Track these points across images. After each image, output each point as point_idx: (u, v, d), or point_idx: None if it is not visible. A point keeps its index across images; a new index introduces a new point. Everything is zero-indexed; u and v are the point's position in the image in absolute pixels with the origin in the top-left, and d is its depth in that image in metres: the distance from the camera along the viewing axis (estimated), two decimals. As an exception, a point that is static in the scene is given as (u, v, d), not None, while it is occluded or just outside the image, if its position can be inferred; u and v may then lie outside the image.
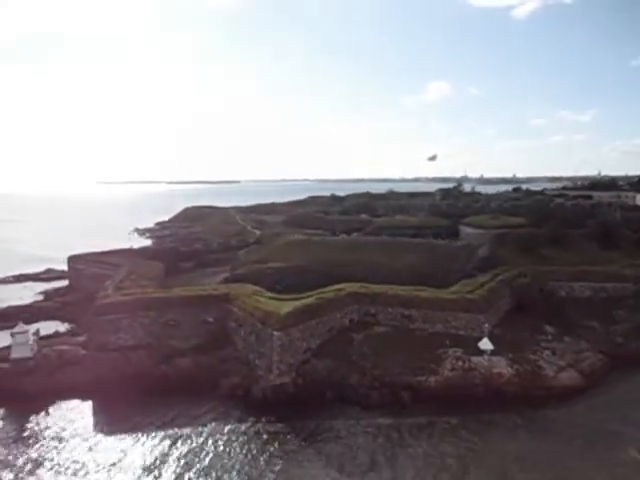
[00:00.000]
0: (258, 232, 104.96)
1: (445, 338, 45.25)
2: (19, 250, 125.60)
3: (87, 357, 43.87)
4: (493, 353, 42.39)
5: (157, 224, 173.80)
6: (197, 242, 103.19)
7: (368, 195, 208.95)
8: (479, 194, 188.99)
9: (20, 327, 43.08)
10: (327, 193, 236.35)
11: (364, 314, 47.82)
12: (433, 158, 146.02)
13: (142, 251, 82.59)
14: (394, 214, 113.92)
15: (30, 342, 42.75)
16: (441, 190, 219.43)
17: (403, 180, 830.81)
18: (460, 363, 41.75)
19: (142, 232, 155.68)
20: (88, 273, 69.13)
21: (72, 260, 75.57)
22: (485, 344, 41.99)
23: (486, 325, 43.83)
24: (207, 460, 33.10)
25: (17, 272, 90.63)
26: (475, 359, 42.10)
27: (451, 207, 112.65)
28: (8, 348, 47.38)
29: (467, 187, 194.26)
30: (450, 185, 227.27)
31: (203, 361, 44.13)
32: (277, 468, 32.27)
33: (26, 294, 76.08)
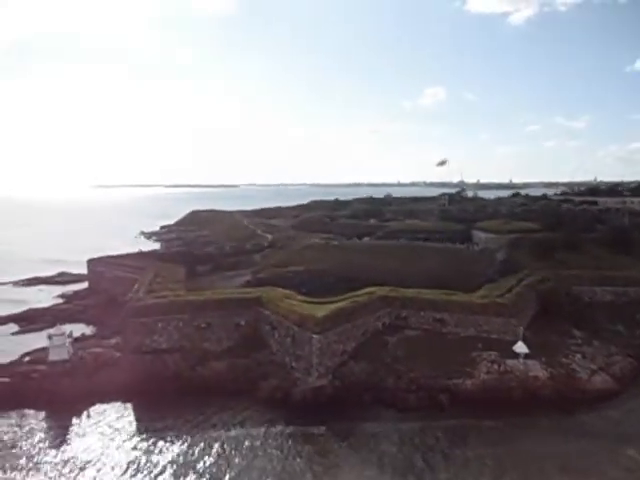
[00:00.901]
0: (270, 236, 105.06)
1: (477, 342, 45.69)
2: (27, 253, 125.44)
3: (122, 359, 44.03)
4: (527, 357, 42.82)
5: (162, 227, 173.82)
6: (208, 246, 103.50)
7: (372, 200, 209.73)
8: (481, 199, 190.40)
9: (57, 329, 43.28)
10: (325, 198, 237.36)
11: (395, 317, 48.24)
12: (442, 163, 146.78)
13: (160, 254, 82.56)
14: (403, 219, 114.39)
15: (67, 344, 42.84)
16: (443, 195, 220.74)
17: (400, 185, 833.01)
18: (495, 366, 42.21)
19: (149, 235, 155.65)
20: (109, 276, 69.16)
21: (92, 263, 75.60)
22: (520, 347, 42.42)
23: (521, 328, 44.30)
24: (248, 462, 33.30)
25: (30, 275, 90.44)
26: (510, 362, 42.54)
27: (462, 212, 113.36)
28: (42, 350, 47.84)
29: (469, 193, 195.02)
30: (452, 190, 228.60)
31: (239, 364, 44.35)
32: (319, 469, 32.59)
33: (43, 297, 76.11)
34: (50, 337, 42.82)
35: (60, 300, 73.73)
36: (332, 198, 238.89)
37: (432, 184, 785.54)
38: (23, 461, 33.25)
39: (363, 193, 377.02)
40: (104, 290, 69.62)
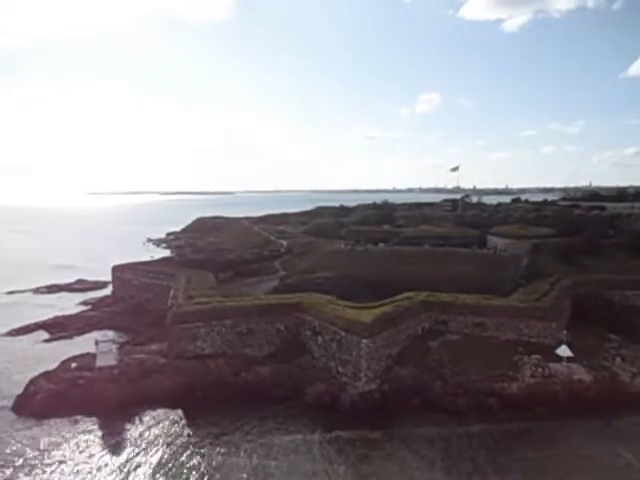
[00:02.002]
0: (285, 242, 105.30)
1: (517, 345, 46.10)
2: (37, 260, 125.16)
3: (168, 365, 44.12)
4: (569, 360, 43.26)
5: (168, 234, 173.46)
6: (220, 252, 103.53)
7: (376, 206, 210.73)
8: (484, 205, 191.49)
9: (104, 335, 43.55)
10: (323, 204, 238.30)
11: (435, 322, 48.56)
12: (455, 169, 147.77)
13: (184, 261, 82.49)
14: (416, 224, 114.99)
15: (114, 350, 42.92)
16: (446, 201, 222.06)
17: (395, 191, 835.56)
18: (540, 370, 42.59)
19: (157, 242, 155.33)
20: (136, 283, 69.17)
21: (117, 270, 75.50)
22: (564, 351, 42.91)
23: (564, 332, 44.77)
24: (305, 467, 33.40)
25: (48, 282, 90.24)
26: (553, 366, 42.98)
27: (476, 217, 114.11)
28: (80, 357, 47.89)
29: (474, 198, 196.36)
30: (448, 196, 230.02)
31: (283, 369, 44.56)
32: (382, 473, 32.76)
33: (66, 304, 76.04)
34: (97, 343, 42.99)
35: (84, 307, 73.68)
36: (330, 204, 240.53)
37: (428, 190, 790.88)
38: (73, 466, 33.32)
39: (361, 199, 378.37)
40: (130, 297, 69.60)
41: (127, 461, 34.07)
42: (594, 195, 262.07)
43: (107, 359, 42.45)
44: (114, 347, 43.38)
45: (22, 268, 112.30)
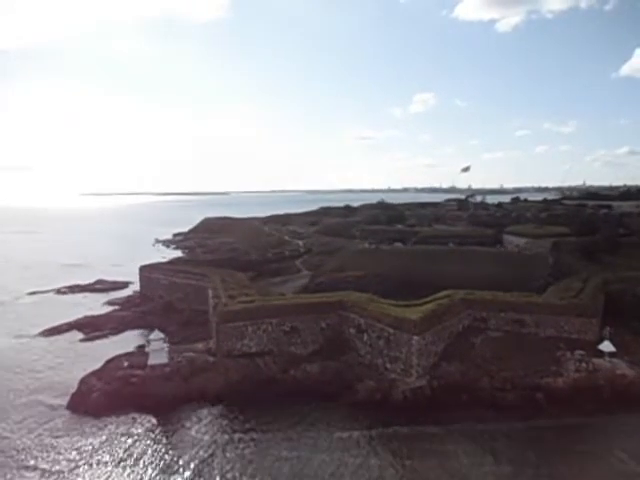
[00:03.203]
0: (301, 242, 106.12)
1: (558, 341, 47.01)
2: (49, 261, 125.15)
3: (218, 363, 44.66)
4: (611, 355, 44.21)
5: (175, 235, 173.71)
6: (236, 252, 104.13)
7: (380, 205, 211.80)
8: (487, 204, 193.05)
9: (156, 334, 43.82)
10: (320, 204, 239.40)
11: (474, 319, 49.39)
12: (466, 169, 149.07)
13: (209, 261, 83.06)
14: (428, 224, 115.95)
15: (166, 349, 43.42)
16: (449, 200, 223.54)
17: (391, 190, 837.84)
18: (584, 365, 43.49)
19: (166, 243, 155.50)
20: (165, 282, 69.50)
21: (145, 270, 75.82)
22: (607, 346, 43.86)
23: (607, 328, 45.73)
24: (370, 463, 33.83)
25: (68, 283, 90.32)
26: (596, 361, 43.89)
27: (489, 217, 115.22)
28: (126, 355, 48.34)
29: (478, 198, 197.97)
30: (446, 195, 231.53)
31: (330, 366, 45.20)
32: (443, 466, 33.44)
33: (92, 304, 76.15)
34: (149, 342, 43.39)
35: (111, 307, 73.83)
36: (328, 204, 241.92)
37: (423, 189, 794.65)
38: (131, 464, 33.66)
39: (356, 199, 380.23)
40: (159, 296, 69.95)
41: (182, 458, 34.37)
42: (593, 194, 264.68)
43: (159, 357, 42.92)
44: (165, 346, 43.67)
45: (36, 269, 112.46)
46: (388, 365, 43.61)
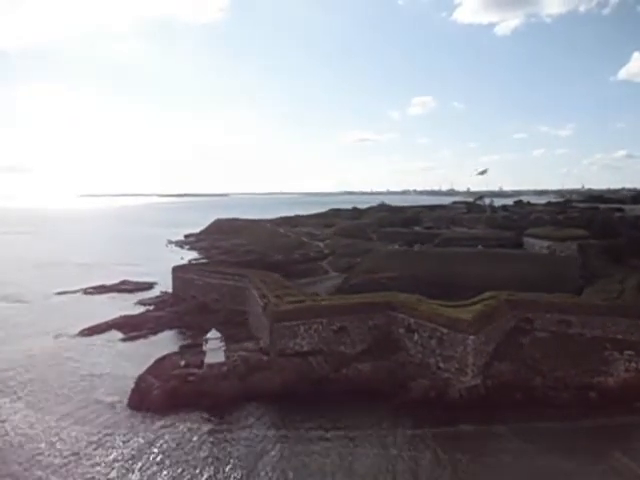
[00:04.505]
0: (321, 244, 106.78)
1: (605, 342, 47.72)
2: (67, 260, 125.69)
3: (272, 362, 45.23)
4: (659, 355, 44.99)
5: (186, 236, 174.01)
6: (251, 254, 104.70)
7: (387, 207, 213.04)
8: (494, 207, 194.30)
9: (213, 333, 44.32)
10: (321, 205, 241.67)
11: (519, 320, 50.12)
12: (483, 172, 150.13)
13: (235, 262, 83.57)
14: (446, 226, 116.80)
15: (222, 348, 43.96)
16: (456, 203, 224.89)
17: (390, 193, 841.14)
18: (633, 365, 44.28)
19: (179, 244, 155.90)
20: (200, 283, 69.96)
21: (178, 270, 76.35)
22: (654, 346, 44.63)
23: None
24: (433, 462, 34.38)
25: (93, 283, 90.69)
26: (645, 361, 44.64)
27: (507, 219, 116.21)
28: (175, 354, 48.87)
29: (487, 200, 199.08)
30: (445, 197, 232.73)
31: (382, 366, 45.83)
32: (511, 460, 34.06)
33: (123, 304, 76.52)
34: (206, 341, 43.88)
35: (143, 307, 74.26)
36: (327, 207, 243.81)
37: (422, 192, 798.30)
38: (189, 460, 34.05)
39: (356, 201, 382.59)
40: (192, 297, 70.43)
41: (244, 456, 34.77)
42: (597, 197, 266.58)
43: (216, 356, 43.43)
44: (222, 345, 44.20)
45: (51, 268, 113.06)
46: (441, 364, 44.22)
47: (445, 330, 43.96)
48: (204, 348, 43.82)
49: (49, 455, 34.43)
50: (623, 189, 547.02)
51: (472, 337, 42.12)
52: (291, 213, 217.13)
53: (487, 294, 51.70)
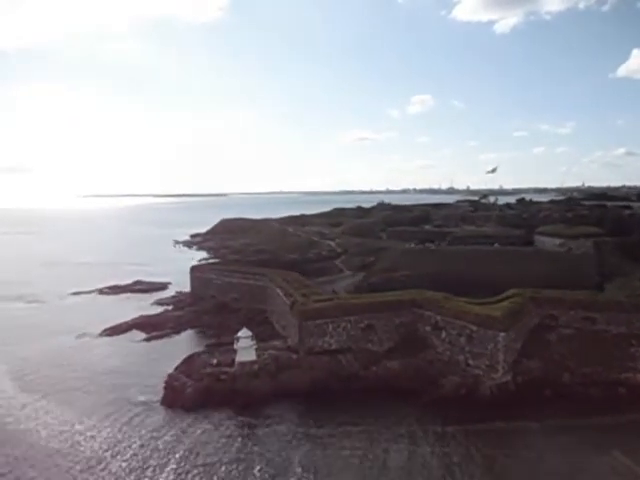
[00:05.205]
0: (332, 243, 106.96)
1: (630, 338, 48.01)
2: (74, 260, 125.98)
3: (302, 360, 45.51)
4: (685, 351, 45.36)
5: (192, 236, 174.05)
6: (262, 253, 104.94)
7: (392, 207, 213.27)
8: (499, 205, 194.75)
9: (244, 332, 44.57)
10: (321, 204, 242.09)
11: (544, 317, 50.45)
12: (493, 171, 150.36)
13: (251, 261, 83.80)
14: (455, 224, 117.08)
15: (253, 346, 44.22)
16: (460, 201, 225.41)
17: (389, 191, 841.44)
18: (660, 360, 44.62)
19: (187, 244, 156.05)
20: (219, 282, 70.16)
21: (196, 270, 76.57)
22: (681, 343, 44.98)
23: (682, 325, 46.91)
24: (487, 452, 34.92)
25: (108, 284, 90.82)
26: (672, 357, 45.00)
27: (517, 218, 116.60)
28: (202, 354, 49.12)
29: (491, 199, 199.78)
30: (446, 196, 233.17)
31: (411, 363, 46.13)
32: (544, 455, 34.35)
33: (140, 304, 76.70)
34: (237, 339, 44.12)
35: (161, 307, 74.38)
36: (328, 205, 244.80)
37: (422, 191, 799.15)
38: (223, 456, 34.43)
39: (356, 200, 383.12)
40: (211, 296, 70.63)
41: (277, 452, 35.09)
42: (600, 195, 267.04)
43: (247, 355, 43.69)
44: (252, 343, 44.46)
45: (59, 268, 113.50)
46: (470, 361, 44.52)
47: (474, 327, 44.25)
48: (235, 346, 43.99)
49: (91, 451, 34.80)
50: (623, 187, 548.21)
51: (503, 334, 42.43)
52: (291, 212, 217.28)
53: (511, 291, 52.00)
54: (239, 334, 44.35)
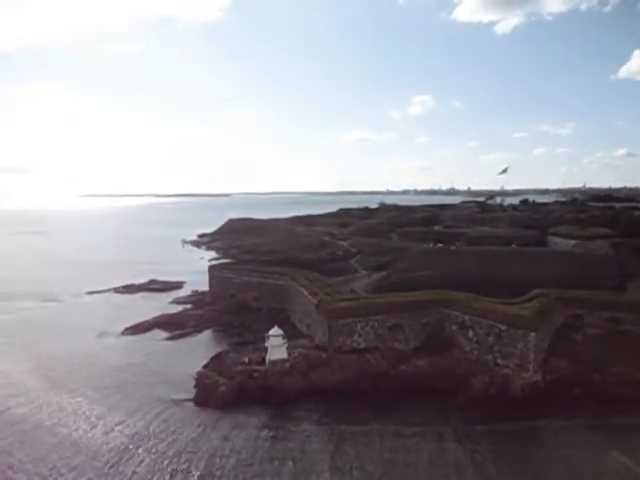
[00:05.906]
0: (345, 243, 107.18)
1: (656, 338, 48.31)
2: (84, 259, 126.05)
3: (331, 359, 45.70)
4: None
5: (200, 236, 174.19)
6: (273, 253, 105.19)
7: (397, 207, 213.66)
8: (504, 206, 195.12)
9: (275, 330, 44.76)
10: (322, 205, 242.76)
11: (568, 317, 50.70)
12: (504, 171, 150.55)
13: (267, 260, 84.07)
14: (467, 225, 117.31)
15: (284, 345, 44.41)
16: (465, 202, 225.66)
17: (390, 192, 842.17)
18: (689, 360, 44.81)
19: (195, 244, 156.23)
20: (238, 281, 70.33)
21: (214, 269, 76.75)
22: None
23: None
24: (528, 451, 35.11)
25: (123, 282, 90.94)
26: (699, 357, 45.20)
27: (530, 218, 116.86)
28: (226, 353, 49.32)
29: (498, 199, 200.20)
30: (448, 196, 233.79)
31: (440, 362, 46.33)
32: (578, 454, 34.50)
33: (158, 304, 76.66)
34: (268, 337, 44.31)
35: (180, 306, 74.48)
36: (330, 205, 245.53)
37: (423, 191, 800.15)
38: (257, 453, 34.60)
39: (357, 200, 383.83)
40: (230, 295, 70.80)
41: (315, 451, 35.21)
42: (604, 196, 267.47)
43: (278, 353, 43.88)
44: (284, 342, 44.66)
45: (69, 267, 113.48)
46: (499, 361, 44.71)
47: (504, 327, 44.45)
48: (266, 344, 44.18)
49: (128, 449, 34.94)
50: (624, 188, 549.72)
51: (533, 334, 42.62)
52: (296, 213, 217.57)
53: (536, 291, 52.24)
54: (270, 332, 44.53)
